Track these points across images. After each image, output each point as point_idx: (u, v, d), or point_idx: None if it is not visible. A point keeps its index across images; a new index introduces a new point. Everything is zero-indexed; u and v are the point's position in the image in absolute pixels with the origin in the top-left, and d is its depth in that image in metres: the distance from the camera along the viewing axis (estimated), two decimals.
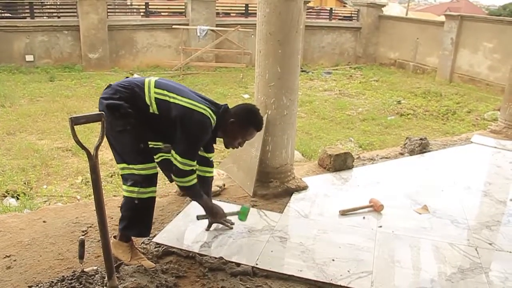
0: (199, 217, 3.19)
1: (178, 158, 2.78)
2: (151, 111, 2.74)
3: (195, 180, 2.91)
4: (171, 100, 2.75)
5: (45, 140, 6.28)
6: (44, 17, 11.66)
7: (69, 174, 5.20)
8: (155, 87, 2.77)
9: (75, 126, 1.85)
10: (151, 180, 2.77)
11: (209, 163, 3.21)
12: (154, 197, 2.83)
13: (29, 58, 10.98)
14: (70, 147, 5.91)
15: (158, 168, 2.96)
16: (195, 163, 2.87)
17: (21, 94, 8.66)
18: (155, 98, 2.74)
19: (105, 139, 2.07)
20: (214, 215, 3.16)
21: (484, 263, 3.00)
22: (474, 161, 5.01)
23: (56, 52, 11.30)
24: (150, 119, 2.76)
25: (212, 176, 3.32)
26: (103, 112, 1.96)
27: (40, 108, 7.71)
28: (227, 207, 3.35)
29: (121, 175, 2.80)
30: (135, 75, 10.40)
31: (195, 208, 3.27)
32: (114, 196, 4.18)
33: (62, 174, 5.19)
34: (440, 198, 3.95)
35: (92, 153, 1.89)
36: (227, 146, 3.10)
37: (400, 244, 3.20)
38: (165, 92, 2.76)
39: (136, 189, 2.71)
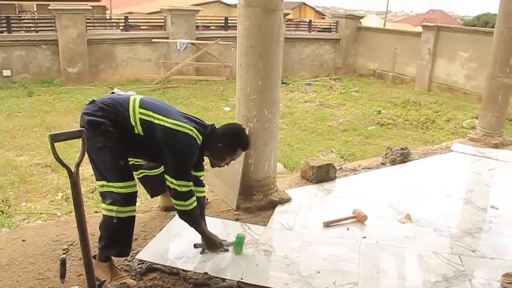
0: (196, 246, 3.08)
1: (174, 181, 2.75)
2: (136, 132, 2.70)
3: (195, 204, 2.86)
4: (156, 121, 2.71)
5: (23, 156, 6.16)
6: (22, 32, 11.51)
7: (48, 190, 5.10)
8: (140, 107, 2.73)
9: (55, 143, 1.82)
10: (130, 199, 2.72)
11: (200, 182, 3.16)
12: (134, 216, 2.78)
13: (6, 73, 10.78)
14: (50, 163, 5.81)
15: (139, 185, 2.91)
16: (191, 183, 2.82)
17: None
18: (140, 119, 2.70)
19: (86, 154, 2.04)
20: (212, 246, 3.05)
21: (468, 270, 3.03)
22: (455, 169, 5.08)
23: (34, 67, 11.14)
24: (134, 140, 2.72)
25: (204, 196, 3.27)
26: (83, 129, 1.94)
27: (18, 124, 7.58)
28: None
29: (100, 192, 2.75)
30: (115, 89, 10.32)
31: (178, 223, 3.23)
32: (96, 212, 4.11)
33: (42, 191, 5.09)
34: (423, 207, 3.99)
35: (73, 170, 1.86)
36: (213, 166, 3.08)
37: (385, 254, 3.22)
38: (150, 113, 2.73)
39: (115, 207, 2.67)
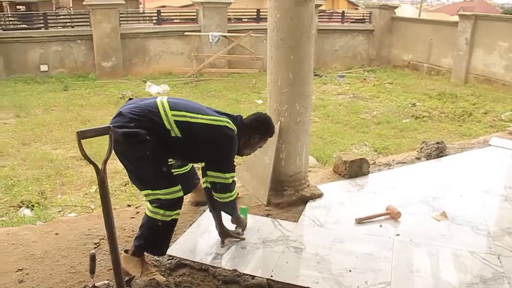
0: (237, 231, 3.24)
1: (221, 175, 2.83)
2: (173, 135, 2.66)
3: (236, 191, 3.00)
4: (193, 120, 2.71)
5: (59, 149, 6.29)
6: (58, 27, 11.75)
7: (83, 183, 5.19)
8: (171, 109, 2.69)
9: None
10: (177, 204, 2.75)
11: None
12: (177, 219, 2.82)
13: (44, 68, 11.08)
14: None
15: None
16: (235, 173, 2.94)
17: (36, 104, 8.73)
18: (175, 121, 2.67)
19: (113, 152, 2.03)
20: (244, 223, 3.25)
21: (508, 272, 2.90)
22: (493, 164, 4.90)
23: (70, 62, 11.38)
24: (172, 143, 2.68)
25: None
26: (111, 126, 1.92)
27: (54, 118, 7.75)
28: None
29: (147, 200, 2.78)
30: (148, 83, 10.42)
31: (208, 219, 3.23)
32: (128, 206, 4.14)
33: (76, 184, 5.18)
34: (459, 204, 3.85)
35: (100, 168, 1.85)
36: (241, 155, 3.16)
37: (419, 253, 3.12)
38: (184, 113, 2.71)
39: (161, 211, 2.69)
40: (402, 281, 2.79)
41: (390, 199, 3.82)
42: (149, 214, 2.73)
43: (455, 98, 9.74)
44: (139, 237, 2.78)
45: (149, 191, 2.70)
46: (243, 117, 3.03)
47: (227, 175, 2.85)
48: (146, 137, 2.55)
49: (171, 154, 2.84)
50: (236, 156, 3.05)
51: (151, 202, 2.72)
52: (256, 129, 3.01)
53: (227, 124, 2.81)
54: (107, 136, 1.90)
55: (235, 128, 2.88)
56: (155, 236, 2.76)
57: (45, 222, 3.84)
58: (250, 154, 3.21)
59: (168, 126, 2.66)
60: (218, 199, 2.95)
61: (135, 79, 11.36)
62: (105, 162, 1.86)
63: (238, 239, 3.18)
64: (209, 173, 2.88)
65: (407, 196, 3.97)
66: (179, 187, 2.76)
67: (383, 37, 14.32)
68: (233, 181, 2.92)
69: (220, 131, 2.77)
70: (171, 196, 2.70)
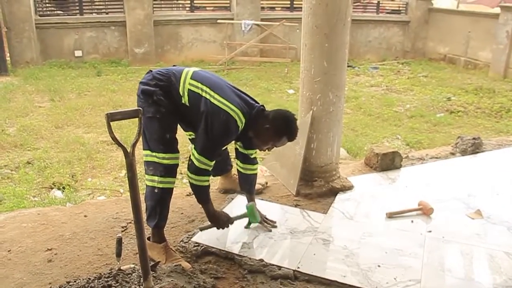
0: (202, 229, 3.00)
1: (196, 154, 2.73)
2: (182, 101, 2.76)
3: (208, 183, 2.82)
4: (203, 94, 2.72)
5: (91, 133, 6.37)
6: (93, 14, 11.89)
7: (113, 167, 5.24)
8: (191, 78, 2.78)
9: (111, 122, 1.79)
10: (171, 171, 2.77)
11: (250, 160, 3.15)
12: (172, 188, 2.83)
13: (78, 53, 11.25)
14: None
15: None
16: (212, 163, 2.77)
17: (70, 89, 8.85)
18: (188, 89, 2.75)
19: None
20: (216, 223, 2.96)
21: None
22: None
23: (103, 47, 11.51)
24: (181, 109, 2.78)
25: (255, 174, 3.23)
26: (140, 108, 1.90)
27: (87, 102, 7.85)
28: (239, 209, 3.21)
29: (144, 161, 2.79)
30: None
31: (236, 206, 3.19)
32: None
33: (106, 168, 5.23)
34: (495, 203, 3.71)
35: (128, 151, 1.83)
36: (254, 148, 3.05)
37: (451, 251, 3.00)
38: (200, 85, 2.75)
39: (156, 178, 2.72)
40: (432, 279, 2.70)
41: (422, 194, 3.71)
42: (147, 183, 2.78)
43: (493, 93, 9.41)
44: (146, 210, 2.80)
45: (149, 152, 2.75)
46: (265, 108, 2.89)
47: (201, 158, 2.70)
48: (160, 97, 2.72)
49: (180, 120, 2.89)
50: (261, 150, 3.00)
51: (147, 166, 2.76)
52: (274, 123, 2.77)
53: (231, 112, 2.67)
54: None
55: (243, 119, 2.74)
56: (154, 205, 2.77)
57: (75, 204, 3.89)
58: (263, 149, 2.95)
59: (181, 92, 2.76)
60: (187, 175, 2.85)
61: (167, 66, 11.34)
62: (134, 145, 1.84)
63: (265, 229, 3.12)
64: (191, 146, 2.85)
65: (441, 192, 3.84)
66: (177, 155, 2.80)
67: (419, 28, 13.96)
68: (206, 170, 2.74)
69: (219, 113, 2.66)
70: (167, 162, 2.73)
